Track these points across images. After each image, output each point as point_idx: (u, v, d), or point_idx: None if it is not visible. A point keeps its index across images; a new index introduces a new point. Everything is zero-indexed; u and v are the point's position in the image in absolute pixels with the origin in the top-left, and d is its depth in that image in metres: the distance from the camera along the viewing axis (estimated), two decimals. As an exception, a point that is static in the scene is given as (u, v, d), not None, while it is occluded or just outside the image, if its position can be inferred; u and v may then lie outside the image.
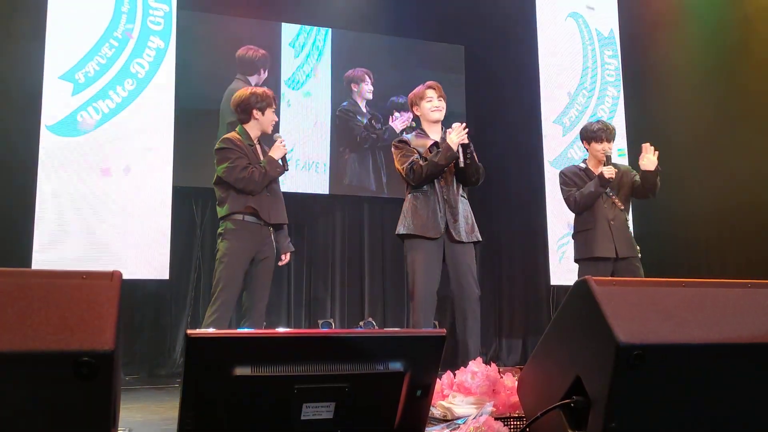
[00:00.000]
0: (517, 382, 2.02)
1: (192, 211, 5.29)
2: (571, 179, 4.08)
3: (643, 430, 1.55)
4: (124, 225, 4.66)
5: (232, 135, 3.59)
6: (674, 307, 1.59)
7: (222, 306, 3.42)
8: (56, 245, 4.51)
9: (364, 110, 5.84)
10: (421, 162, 3.51)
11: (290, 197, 5.67)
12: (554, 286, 5.78)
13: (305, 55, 5.69)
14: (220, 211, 3.54)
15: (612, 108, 6.05)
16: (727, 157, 5.21)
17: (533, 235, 5.95)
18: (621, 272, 3.87)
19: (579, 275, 3.98)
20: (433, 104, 3.63)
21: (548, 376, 1.77)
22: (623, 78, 6.13)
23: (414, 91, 3.74)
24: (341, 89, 5.77)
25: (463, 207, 3.62)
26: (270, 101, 3.61)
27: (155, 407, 3.53)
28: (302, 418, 1.60)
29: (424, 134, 3.67)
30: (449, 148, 3.45)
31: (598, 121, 4.11)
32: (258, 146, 3.63)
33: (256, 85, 4.95)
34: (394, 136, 5.84)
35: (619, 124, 6.05)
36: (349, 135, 5.77)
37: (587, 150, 4.10)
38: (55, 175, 4.56)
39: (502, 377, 2.18)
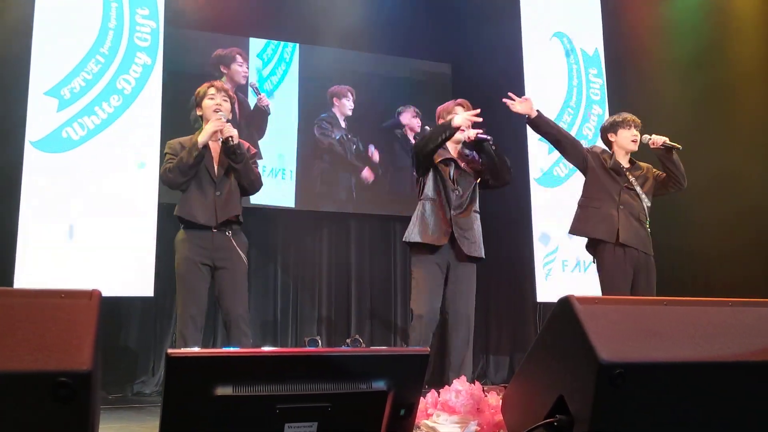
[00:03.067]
0: (501, 401, 2.02)
1: (177, 228, 5.24)
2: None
3: (626, 449, 1.55)
4: (109, 242, 4.62)
5: (180, 138, 3.49)
6: (656, 326, 1.60)
7: (185, 322, 3.30)
8: (40, 262, 4.45)
9: (343, 125, 5.86)
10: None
11: (280, 212, 5.72)
12: (541, 303, 5.79)
13: (272, 66, 5.73)
14: None
15: (597, 126, 6.10)
16: (716, 170, 5.26)
17: (520, 253, 5.97)
18: (642, 267, 3.72)
19: (599, 257, 3.77)
20: None
21: (532, 394, 1.77)
22: (608, 96, 6.20)
23: (444, 105, 3.76)
24: (310, 103, 5.79)
25: (476, 223, 3.62)
26: (202, 94, 3.46)
27: (137, 427, 3.48)
28: (284, 438, 1.59)
29: (444, 148, 3.64)
30: (448, 123, 3.48)
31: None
32: (215, 144, 3.44)
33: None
34: (364, 159, 5.87)
35: (604, 142, 6.11)
36: (321, 146, 5.79)
37: (612, 144, 3.94)
38: (39, 191, 4.52)
39: (486, 396, 2.18)
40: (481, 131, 3.55)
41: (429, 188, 3.61)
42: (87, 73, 4.74)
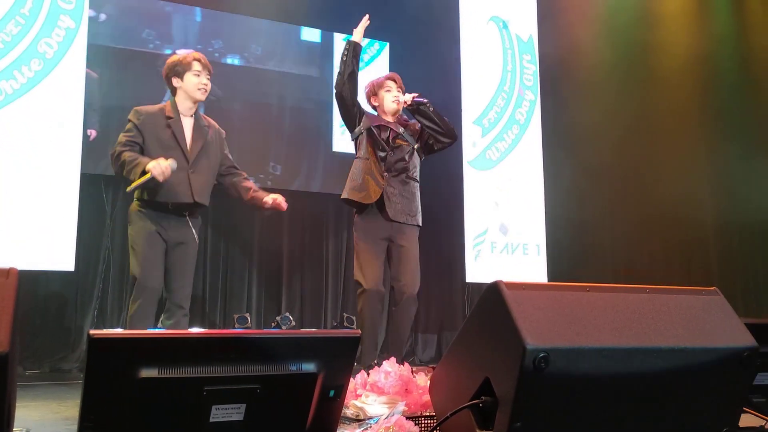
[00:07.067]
0: (429, 382, 2.05)
1: (102, 200, 5.06)
2: None
3: (546, 430, 1.61)
4: (27, 213, 4.41)
5: (148, 106, 3.32)
6: (579, 312, 1.66)
7: (141, 296, 3.18)
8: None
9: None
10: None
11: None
12: (469, 283, 5.92)
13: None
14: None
15: (529, 111, 6.23)
16: (642, 160, 5.48)
17: (450, 233, 6.06)
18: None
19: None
20: (392, 94, 3.63)
21: (459, 376, 1.81)
22: (540, 83, 6.33)
23: (375, 79, 3.72)
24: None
25: (411, 189, 3.61)
26: (186, 66, 3.27)
27: (56, 406, 3.37)
28: (211, 420, 1.57)
29: (379, 120, 3.63)
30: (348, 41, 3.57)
31: None
32: (189, 119, 3.33)
33: None
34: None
35: (535, 127, 6.24)
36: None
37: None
38: (-50, 157, 4.26)
39: (414, 377, 2.21)
40: (417, 95, 3.59)
41: (362, 150, 3.62)
42: (5, 35, 4.46)
